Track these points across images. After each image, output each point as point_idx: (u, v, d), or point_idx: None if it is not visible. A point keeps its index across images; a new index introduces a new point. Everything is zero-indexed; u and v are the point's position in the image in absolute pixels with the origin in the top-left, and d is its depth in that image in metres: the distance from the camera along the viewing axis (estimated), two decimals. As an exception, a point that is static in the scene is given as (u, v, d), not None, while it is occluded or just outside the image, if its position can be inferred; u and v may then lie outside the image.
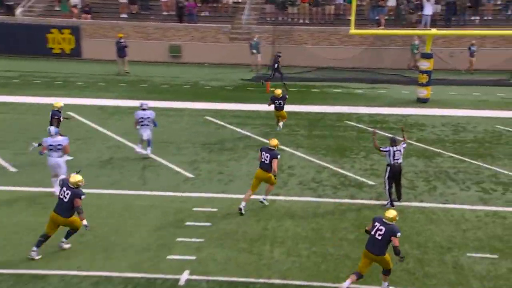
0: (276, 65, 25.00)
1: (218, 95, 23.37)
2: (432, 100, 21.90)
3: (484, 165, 15.63)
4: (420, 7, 28.90)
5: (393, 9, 29.59)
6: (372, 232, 9.67)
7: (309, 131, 18.90)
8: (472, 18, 28.67)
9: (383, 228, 9.56)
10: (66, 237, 11.01)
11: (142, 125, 15.92)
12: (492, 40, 26.87)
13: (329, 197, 13.89)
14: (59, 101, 16.26)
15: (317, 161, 16.18)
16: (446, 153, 16.62)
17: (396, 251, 9.49)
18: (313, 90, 24.63)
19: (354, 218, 12.70)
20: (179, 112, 20.92)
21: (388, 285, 9.92)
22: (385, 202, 13.40)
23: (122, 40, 27.39)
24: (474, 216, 12.77)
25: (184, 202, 13.35)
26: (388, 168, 13.19)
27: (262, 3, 31.52)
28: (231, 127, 19.13)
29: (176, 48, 30.39)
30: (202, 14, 31.64)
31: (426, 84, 21.47)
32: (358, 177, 15.04)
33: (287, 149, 17.07)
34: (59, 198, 10.76)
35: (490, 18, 28.57)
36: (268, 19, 30.86)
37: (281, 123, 18.77)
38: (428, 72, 21.41)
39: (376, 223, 9.69)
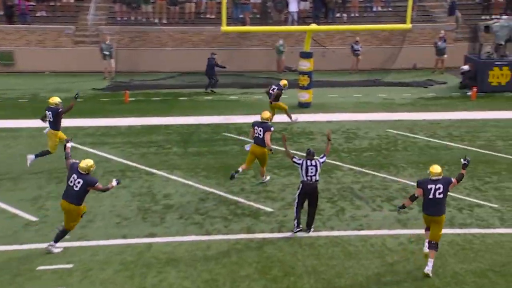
0: (213, 68, 22.30)
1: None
2: (314, 104, 20.11)
3: (390, 177, 13.90)
4: (286, 4, 27.32)
5: (258, 6, 27.69)
6: (430, 196, 9.78)
7: (183, 148, 16.07)
8: (338, 15, 27.63)
9: (440, 185, 9.76)
10: (56, 240, 10.36)
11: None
12: (363, 39, 25.95)
13: (220, 232, 11.25)
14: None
15: (199, 186, 13.47)
16: (344, 165, 14.71)
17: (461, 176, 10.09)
18: (180, 98, 21.76)
19: (256, 261, 10.18)
20: (15, 133, 16.99)
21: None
22: (288, 234, 11.03)
23: None
24: (397, 243, 10.82)
25: (25, 258, 10.00)
26: (301, 185, 11.17)
27: (109, 1, 27.94)
28: (85, 148, 15.72)
29: (7, 55, 25.78)
30: (38, 15, 27.30)
31: (307, 87, 19.62)
32: (252, 203, 12.55)
33: (160, 172, 14.14)
34: (68, 185, 10.26)
35: (357, 15, 27.75)
36: (119, 19, 27.42)
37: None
38: (308, 74, 19.58)
39: (429, 185, 9.78)
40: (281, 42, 25.37)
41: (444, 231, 10.83)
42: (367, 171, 14.24)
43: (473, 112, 18.78)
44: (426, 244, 9.97)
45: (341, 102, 20.86)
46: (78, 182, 10.16)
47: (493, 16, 26.22)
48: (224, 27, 18.45)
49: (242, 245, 10.75)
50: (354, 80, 24.13)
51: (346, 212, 12.14)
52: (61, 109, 14.09)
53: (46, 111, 14.25)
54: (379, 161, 14.94)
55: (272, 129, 13.13)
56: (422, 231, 10.94)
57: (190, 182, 13.66)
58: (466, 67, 20.73)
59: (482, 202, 12.43)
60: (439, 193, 9.76)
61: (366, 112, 18.99)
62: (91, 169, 10.28)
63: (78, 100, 10.67)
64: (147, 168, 14.37)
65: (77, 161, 10.52)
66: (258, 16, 27.49)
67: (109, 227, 11.34)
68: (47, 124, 14.29)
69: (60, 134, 14.21)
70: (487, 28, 20.96)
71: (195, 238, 11.02)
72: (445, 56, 24.50)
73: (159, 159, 15.08)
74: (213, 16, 27.42)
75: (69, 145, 11.28)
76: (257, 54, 26.10)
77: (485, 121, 17.55)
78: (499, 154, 15.17)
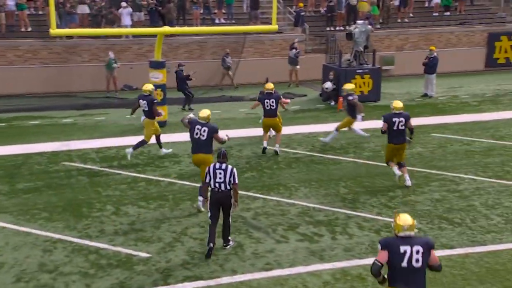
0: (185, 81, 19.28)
1: None
2: (171, 122, 17.45)
3: (284, 199, 11.76)
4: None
5: (86, 18, 24.35)
6: (394, 128, 12.06)
7: (10, 185, 12.44)
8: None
9: (402, 118, 12.02)
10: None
11: None
12: (210, 51, 23.89)
13: (82, 296, 8.15)
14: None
15: (40, 232, 10.14)
16: (225, 190, 12.27)
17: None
18: (-3, 125, 17.73)
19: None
20: None
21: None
22: (179, 286, 8.35)
23: None
24: (322, 283, 8.63)
25: None
26: (209, 195, 9.56)
27: None
28: None
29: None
30: None
31: (161, 103, 16.91)
32: (120, 248, 9.60)
33: (-18, 219, 10.48)
34: (194, 138, 11.02)
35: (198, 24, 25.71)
36: None
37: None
38: (161, 87, 16.92)
39: (394, 119, 12.04)
40: (112, 55, 22.01)
41: (368, 261, 8.97)
42: (255, 195, 11.97)
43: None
44: (396, 169, 12.29)
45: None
46: (204, 131, 10.98)
47: (337, 28, 25.95)
48: (54, 30, 15.13)
49: (118, 310, 7.82)
50: (210, 96, 21.79)
51: (245, 248, 9.71)
52: (156, 100, 14.37)
53: (140, 100, 14.14)
54: (265, 182, 12.76)
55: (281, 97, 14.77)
56: (342, 264, 9.18)
57: (26, 229, 10.27)
58: (329, 85, 19.53)
59: (397, 221, 10.78)
60: (402, 125, 12.05)
61: (233, 129, 16.70)
62: (209, 117, 11.11)
63: None
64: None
65: (192, 116, 11.80)
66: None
67: None
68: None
69: (156, 123, 14.33)
70: (349, 35, 20.12)
71: (46, 308, 7.83)
72: (298, 67, 23.39)
73: (-19, 200, 11.40)
74: (29, 29, 23.55)
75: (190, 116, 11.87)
76: (89, 71, 22.70)
77: (364, 131, 16.34)
78: (390, 165, 13.87)
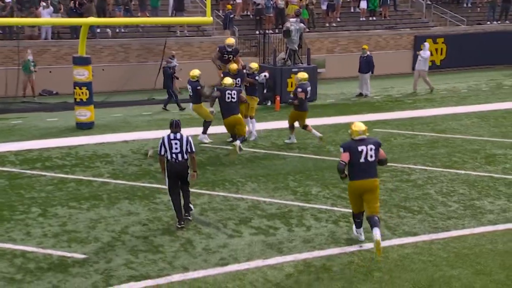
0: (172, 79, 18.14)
1: None
2: (99, 124, 16.21)
3: (231, 195, 10.91)
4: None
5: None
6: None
7: None
8: (99, 31, 24.05)
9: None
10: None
11: None
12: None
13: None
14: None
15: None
16: (165, 186, 11.27)
17: None
18: None
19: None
20: None
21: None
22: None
23: None
24: (284, 276, 7.91)
25: None
26: (167, 167, 9.28)
27: None
28: None
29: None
30: None
31: (87, 103, 15.69)
32: (50, 251, 8.47)
33: None
34: (226, 102, 13.02)
35: (123, 30, 24.53)
36: None
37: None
38: (87, 85, 15.70)
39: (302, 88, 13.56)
40: (30, 57, 20.38)
41: (331, 252, 8.55)
42: (199, 191, 11.05)
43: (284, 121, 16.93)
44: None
45: (134, 121, 17.18)
46: (234, 93, 12.99)
47: (266, 31, 25.54)
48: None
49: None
50: (141, 100, 20.44)
51: (195, 244, 8.80)
52: (200, 86, 14.27)
53: (188, 85, 14.52)
54: (209, 178, 11.88)
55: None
56: (304, 256, 8.49)
57: None
58: (263, 77, 18.84)
59: (354, 211, 10.21)
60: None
61: (163, 129, 15.65)
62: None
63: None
64: None
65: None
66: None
67: None
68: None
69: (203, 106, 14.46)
70: (287, 32, 19.55)
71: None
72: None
73: None
74: None
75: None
76: (1, 76, 20.91)
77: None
78: (337, 159, 13.27)
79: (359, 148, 8.36)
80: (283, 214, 10.03)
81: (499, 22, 29.83)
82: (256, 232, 9.24)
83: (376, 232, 8.16)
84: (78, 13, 23.32)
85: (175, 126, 9.23)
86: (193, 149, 9.26)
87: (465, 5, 31.25)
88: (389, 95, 21.74)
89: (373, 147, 8.43)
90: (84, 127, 15.74)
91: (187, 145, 9.15)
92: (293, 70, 19.62)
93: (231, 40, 15.98)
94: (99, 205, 10.30)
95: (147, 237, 8.98)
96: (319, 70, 24.70)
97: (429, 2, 30.40)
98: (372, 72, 21.19)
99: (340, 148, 8.53)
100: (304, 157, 13.40)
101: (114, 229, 9.29)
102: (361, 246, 8.75)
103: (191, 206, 9.71)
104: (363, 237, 8.83)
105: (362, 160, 8.35)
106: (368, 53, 21.29)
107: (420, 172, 12.36)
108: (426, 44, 22.46)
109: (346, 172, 8.49)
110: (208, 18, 16.05)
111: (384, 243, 8.73)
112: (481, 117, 17.56)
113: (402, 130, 15.96)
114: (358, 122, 8.72)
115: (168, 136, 9.20)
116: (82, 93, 15.57)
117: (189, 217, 9.51)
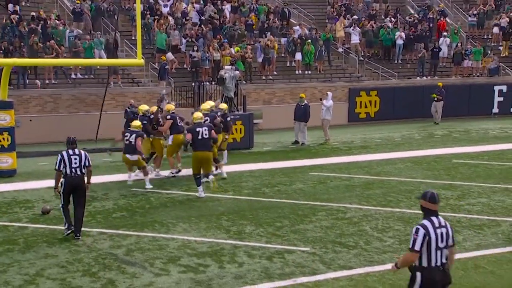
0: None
1: None
2: (21, 172, 15.41)
3: (160, 235, 10.38)
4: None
5: None
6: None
7: None
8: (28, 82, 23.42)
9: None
10: None
11: None
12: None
13: None
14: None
15: None
16: (90, 229, 10.66)
17: None
18: None
19: None
20: None
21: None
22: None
23: None
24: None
25: None
26: (64, 181, 9.89)
27: None
28: None
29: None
30: None
31: (9, 149, 14.94)
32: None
33: None
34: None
35: (54, 82, 23.93)
36: None
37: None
38: (9, 130, 14.97)
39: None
40: None
41: (263, 287, 8.23)
42: (126, 232, 10.49)
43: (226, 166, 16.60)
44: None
45: (49, 169, 16.39)
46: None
47: (202, 82, 25.50)
48: None
49: None
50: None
51: (118, 284, 8.22)
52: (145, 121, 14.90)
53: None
54: (137, 220, 11.34)
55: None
56: None
57: None
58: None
59: (289, 248, 9.85)
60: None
61: (98, 175, 14.99)
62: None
63: None
64: None
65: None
66: None
67: None
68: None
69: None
70: (221, 80, 19.47)
71: None
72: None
73: None
74: None
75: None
76: None
77: (241, 173, 15.54)
78: (272, 200, 13.02)
79: (197, 129, 12.70)
80: (215, 252, 9.58)
81: (428, 77, 30.94)
82: (185, 270, 8.75)
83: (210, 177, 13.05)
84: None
85: (72, 143, 9.96)
86: (90, 163, 10.07)
87: (395, 61, 32.35)
88: (325, 143, 21.84)
89: (207, 128, 12.86)
90: (5, 175, 14.91)
91: (85, 159, 9.91)
92: (229, 118, 19.47)
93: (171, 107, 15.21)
94: (13, 249, 9.59)
95: (65, 279, 8.33)
96: (256, 121, 24.76)
97: (361, 58, 31.32)
98: (307, 121, 21.33)
99: (185, 131, 13.34)
100: (239, 199, 13.05)
101: (28, 272, 8.62)
102: (294, 281, 8.39)
103: (79, 235, 9.98)
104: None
105: (199, 137, 12.71)
106: (306, 102, 21.47)
107: (355, 210, 12.20)
108: (330, 93, 22.97)
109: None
110: (139, 61, 15.81)
111: (319, 277, 8.45)
112: (414, 161, 17.77)
113: (338, 173, 15.90)
114: (196, 112, 12.55)
115: (67, 152, 9.85)
116: (4, 138, 14.85)
117: (77, 238, 9.92)
